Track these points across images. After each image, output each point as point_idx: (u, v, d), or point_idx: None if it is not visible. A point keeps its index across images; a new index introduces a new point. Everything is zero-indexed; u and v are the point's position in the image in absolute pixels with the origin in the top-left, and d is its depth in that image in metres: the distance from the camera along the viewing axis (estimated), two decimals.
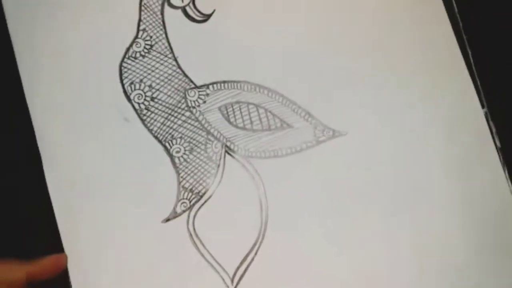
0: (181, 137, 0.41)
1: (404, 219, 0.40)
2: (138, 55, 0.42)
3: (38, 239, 0.40)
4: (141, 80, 0.42)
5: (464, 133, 0.41)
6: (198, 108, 0.41)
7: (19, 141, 0.41)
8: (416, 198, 0.40)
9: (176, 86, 0.42)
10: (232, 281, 0.39)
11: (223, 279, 0.39)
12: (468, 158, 0.40)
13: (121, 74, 0.42)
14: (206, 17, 0.42)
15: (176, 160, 0.41)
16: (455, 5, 0.42)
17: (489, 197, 0.40)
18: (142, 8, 0.42)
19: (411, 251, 0.39)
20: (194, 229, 0.40)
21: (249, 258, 0.39)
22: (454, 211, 0.40)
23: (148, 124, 0.41)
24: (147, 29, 0.42)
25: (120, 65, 0.42)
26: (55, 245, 0.39)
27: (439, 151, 0.41)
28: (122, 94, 0.41)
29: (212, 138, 0.41)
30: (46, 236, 0.40)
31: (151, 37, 0.42)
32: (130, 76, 0.42)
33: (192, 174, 0.41)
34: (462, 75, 0.41)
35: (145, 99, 0.41)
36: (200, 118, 0.41)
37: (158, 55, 0.42)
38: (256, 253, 0.39)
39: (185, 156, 0.41)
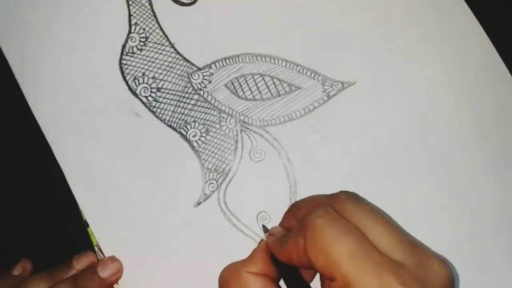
0: (194, 121, 0.41)
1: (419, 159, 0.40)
2: (135, 49, 0.42)
3: (72, 244, 0.40)
4: (143, 74, 0.42)
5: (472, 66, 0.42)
6: (205, 89, 0.42)
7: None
8: (433, 143, 0.41)
9: (179, 72, 0.42)
10: None
11: None
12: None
13: (122, 72, 0.42)
14: None
15: (195, 144, 0.41)
16: None
17: None
18: (130, 2, 0.42)
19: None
20: (226, 206, 0.40)
21: None
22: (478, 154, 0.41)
23: (160, 115, 0.41)
24: (138, 22, 0.42)
25: (120, 63, 0.42)
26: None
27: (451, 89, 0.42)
28: (128, 91, 0.42)
29: (225, 115, 0.41)
30: (80, 242, 0.40)
31: (144, 29, 0.42)
32: (132, 72, 0.42)
33: (213, 155, 0.41)
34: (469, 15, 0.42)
35: (151, 91, 0.42)
36: (209, 98, 0.42)
37: (155, 45, 0.42)
38: None
39: (202, 139, 0.41)
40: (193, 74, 0.42)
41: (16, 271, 0.39)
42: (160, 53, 0.42)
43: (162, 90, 0.42)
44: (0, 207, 0.41)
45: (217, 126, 0.41)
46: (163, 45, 0.42)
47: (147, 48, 0.42)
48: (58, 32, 0.42)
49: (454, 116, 0.41)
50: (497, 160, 0.41)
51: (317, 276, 0.36)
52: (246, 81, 0.42)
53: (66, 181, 0.40)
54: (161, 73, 0.42)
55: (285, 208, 0.40)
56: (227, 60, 0.42)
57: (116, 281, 0.39)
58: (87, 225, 0.40)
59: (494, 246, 0.40)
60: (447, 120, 0.41)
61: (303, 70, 0.42)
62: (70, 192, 0.40)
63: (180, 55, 0.42)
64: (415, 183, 0.40)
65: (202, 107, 0.41)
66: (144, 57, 0.42)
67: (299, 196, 0.40)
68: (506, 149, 0.41)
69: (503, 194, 0.40)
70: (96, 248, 0.39)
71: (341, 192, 0.33)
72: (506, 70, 0.42)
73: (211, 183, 0.40)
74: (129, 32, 0.42)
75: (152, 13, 0.42)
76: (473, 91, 0.42)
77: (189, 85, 0.42)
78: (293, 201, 0.40)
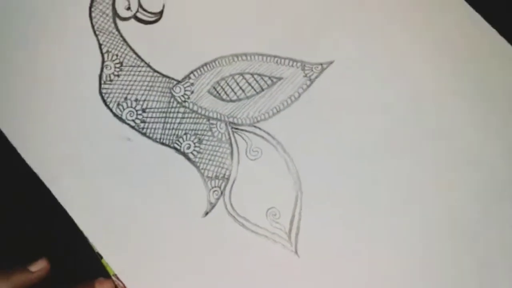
0: (185, 133, 0.41)
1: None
2: (112, 76, 0.42)
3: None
4: (125, 98, 0.42)
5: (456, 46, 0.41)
6: (189, 100, 0.42)
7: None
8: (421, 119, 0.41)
9: (160, 89, 0.42)
10: (290, 242, 0.39)
11: (282, 244, 0.39)
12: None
13: (104, 101, 0.42)
14: (159, 15, 0.42)
15: (190, 156, 0.41)
16: None
17: None
18: (97, 32, 0.42)
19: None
20: (234, 210, 0.40)
21: (296, 215, 0.39)
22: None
23: (150, 135, 0.41)
24: (110, 49, 0.42)
25: (100, 93, 0.42)
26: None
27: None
28: (114, 118, 0.42)
29: (214, 121, 0.41)
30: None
31: (117, 55, 0.42)
32: (114, 99, 0.42)
33: (211, 162, 0.41)
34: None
35: (137, 114, 0.41)
36: (195, 108, 0.41)
37: (131, 68, 0.42)
38: (301, 208, 0.40)
39: (197, 149, 0.41)
40: (174, 88, 0.42)
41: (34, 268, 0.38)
42: (138, 75, 0.42)
43: (147, 110, 0.42)
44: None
45: (209, 133, 0.41)
46: (138, 66, 0.42)
47: (123, 72, 0.42)
48: (32, 70, 0.42)
49: (447, 90, 0.41)
50: (496, 134, 0.40)
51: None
52: (228, 83, 0.41)
53: None
54: (143, 94, 0.42)
55: (292, 200, 0.40)
56: (204, 67, 0.42)
57: None
58: (101, 257, 0.39)
59: (495, 243, 0.39)
60: (440, 94, 0.41)
61: (280, 60, 0.41)
62: None
63: (158, 72, 0.42)
64: (413, 163, 0.40)
65: (190, 118, 0.41)
66: (122, 82, 0.42)
67: (304, 185, 0.40)
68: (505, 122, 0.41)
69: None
70: (113, 278, 0.39)
71: None
72: (500, 37, 0.41)
73: (215, 190, 0.40)
74: (103, 60, 0.42)
75: (121, 38, 0.42)
76: (468, 64, 0.41)
77: (172, 99, 0.42)
78: (299, 192, 0.40)
